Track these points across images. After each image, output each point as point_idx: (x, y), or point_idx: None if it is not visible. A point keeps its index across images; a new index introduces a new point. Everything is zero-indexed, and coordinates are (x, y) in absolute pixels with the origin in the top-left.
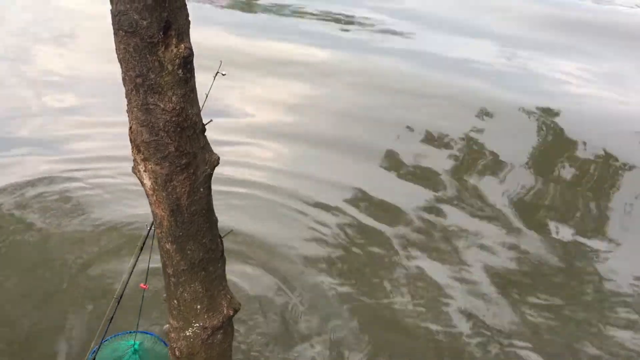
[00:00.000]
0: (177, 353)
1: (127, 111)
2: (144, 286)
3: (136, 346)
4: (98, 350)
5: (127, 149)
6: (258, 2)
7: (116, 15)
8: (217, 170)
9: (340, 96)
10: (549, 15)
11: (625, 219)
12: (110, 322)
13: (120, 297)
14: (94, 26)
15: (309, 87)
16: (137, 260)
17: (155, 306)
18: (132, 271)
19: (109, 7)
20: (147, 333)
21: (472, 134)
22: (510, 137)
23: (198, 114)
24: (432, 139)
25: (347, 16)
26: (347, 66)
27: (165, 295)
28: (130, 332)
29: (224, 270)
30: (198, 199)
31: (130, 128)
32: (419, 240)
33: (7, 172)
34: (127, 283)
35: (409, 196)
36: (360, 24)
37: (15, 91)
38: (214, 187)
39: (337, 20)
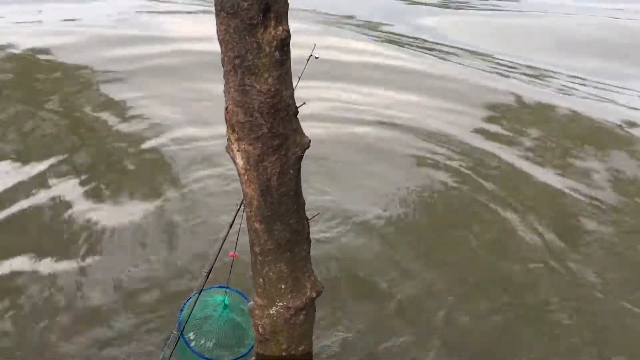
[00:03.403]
0: (260, 330)
1: (224, 91)
2: (234, 254)
3: (226, 301)
4: (192, 305)
5: None
6: None
7: None
8: None
9: None
10: None
11: None
12: (199, 293)
13: (210, 271)
14: None
15: None
16: (227, 236)
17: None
18: (222, 246)
19: None
20: (230, 288)
21: None
22: None
23: (292, 96)
24: None
25: None
26: None
27: (251, 273)
28: (217, 287)
29: (309, 253)
30: (287, 180)
31: (227, 108)
32: None
33: None
34: (217, 257)
35: None
36: None
37: None
38: None
39: None
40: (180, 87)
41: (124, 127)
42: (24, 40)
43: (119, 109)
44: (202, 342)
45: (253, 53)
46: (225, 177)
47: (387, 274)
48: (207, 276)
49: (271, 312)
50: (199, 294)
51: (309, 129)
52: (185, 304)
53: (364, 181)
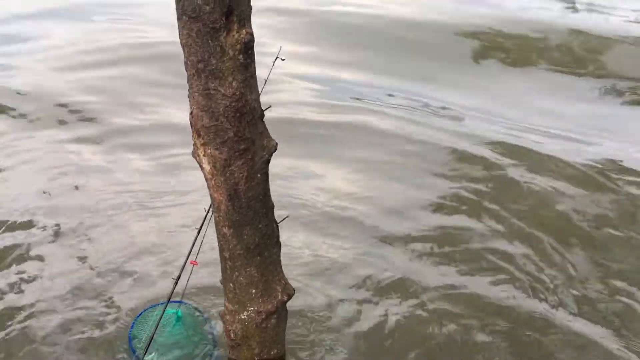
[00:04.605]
0: (231, 335)
1: (189, 96)
2: (194, 262)
3: (179, 313)
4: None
5: None
6: None
7: (180, 1)
8: None
9: None
10: None
11: None
12: (169, 300)
13: (179, 277)
14: None
15: None
16: (194, 243)
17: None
18: (190, 253)
19: None
20: (183, 302)
21: None
22: None
23: (257, 100)
24: None
25: None
26: None
27: (221, 278)
28: (162, 304)
29: (279, 256)
30: (255, 184)
31: (191, 113)
32: None
33: None
34: (185, 264)
35: None
36: None
37: None
38: None
39: None
40: None
41: None
42: None
43: None
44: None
45: (217, 57)
46: None
47: None
48: (176, 283)
49: (242, 317)
50: (166, 304)
51: None
52: (135, 320)
53: None
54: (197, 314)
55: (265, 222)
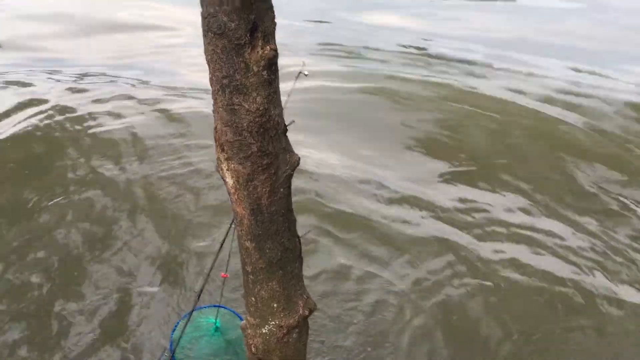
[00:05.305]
0: (253, 349)
1: (213, 111)
2: (225, 275)
3: (217, 324)
4: (184, 326)
5: None
6: None
7: (206, 18)
8: None
9: None
10: None
11: None
12: (190, 315)
13: (201, 292)
14: None
15: None
16: (217, 256)
17: None
18: (213, 266)
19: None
20: (225, 308)
21: None
22: None
23: (280, 115)
24: None
25: None
26: None
27: (243, 292)
28: (211, 307)
29: (301, 270)
30: (278, 199)
31: (215, 128)
32: None
33: None
34: (207, 278)
35: None
36: None
37: None
38: None
39: None
40: None
41: None
42: None
43: None
44: None
45: (241, 73)
46: None
47: None
48: (199, 296)
49: (264, 331)
50: (190, 315)
51: None
52: (177, 324)
53: None
54: (237, 318)
55: (288, 236)
